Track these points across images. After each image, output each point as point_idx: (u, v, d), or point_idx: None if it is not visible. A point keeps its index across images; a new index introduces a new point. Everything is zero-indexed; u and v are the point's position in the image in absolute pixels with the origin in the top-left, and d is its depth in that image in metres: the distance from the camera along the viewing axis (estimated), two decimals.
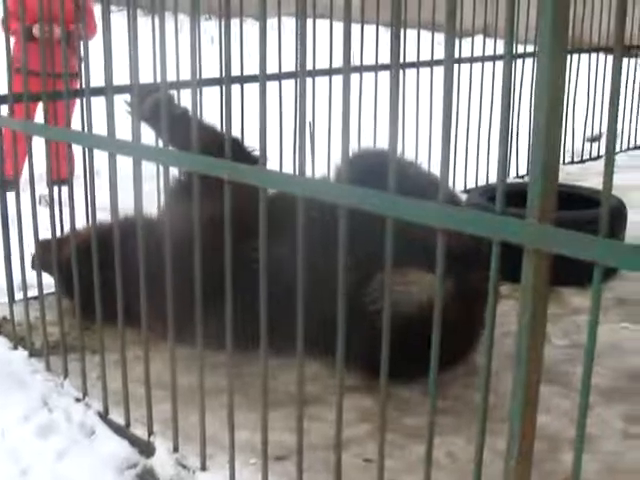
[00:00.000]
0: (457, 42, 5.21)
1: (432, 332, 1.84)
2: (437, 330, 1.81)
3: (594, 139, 6.79)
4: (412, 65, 5.29)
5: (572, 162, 6.67)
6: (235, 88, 3.78)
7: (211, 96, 4.10)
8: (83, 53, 2.89)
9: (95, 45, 2.56)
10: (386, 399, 1.98)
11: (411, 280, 2.75)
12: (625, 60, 6.38)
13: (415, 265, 2.74)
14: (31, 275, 3.19)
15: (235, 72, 3.92)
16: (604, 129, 6.03)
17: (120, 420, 2.78)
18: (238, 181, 2.15)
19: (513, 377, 1.68)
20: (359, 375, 2.86)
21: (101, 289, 2.73)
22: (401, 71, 4.94)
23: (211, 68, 4.25)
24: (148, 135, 3.02)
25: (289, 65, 3.73)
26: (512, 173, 6.03)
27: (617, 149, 6.96)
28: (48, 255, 3.11)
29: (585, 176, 5.90)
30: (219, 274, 2.29)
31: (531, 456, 1.73)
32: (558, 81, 1.53)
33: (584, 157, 6.80)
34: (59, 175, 3.59)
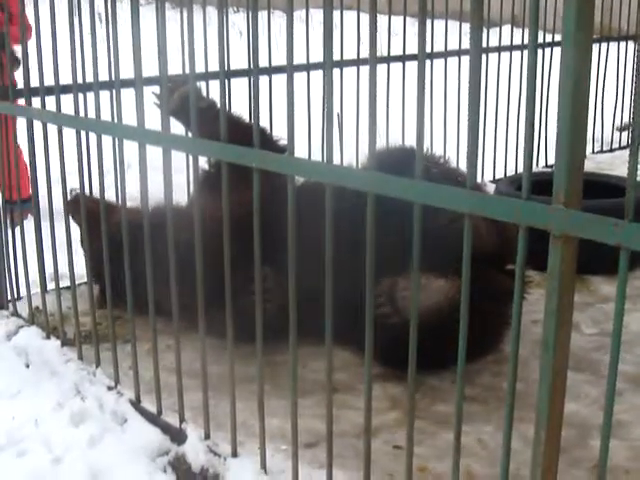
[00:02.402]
0: (485, 32, 5.21)
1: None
2: (465, 316, 1.83)
3: (624, 128, 6.75)
4: (440, 55, 5.29)
5: (602, 151, 6.63)
6: (263, 79, 3.81)
7: (240, 87, 4.13)
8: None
9: (125, 38, 2.58)
10: (414, 386, 1.99)
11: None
12: None
13: (440, 266, 2.74)
14: (63, 266, 3.22)
15: (263, 64, 3.95)
16: None
17: (152, 408, 2.81)
18: (266, 170, 2.18)
19: (540, 363, 1.69)
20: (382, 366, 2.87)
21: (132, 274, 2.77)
22: (429, 61, 4.94)
23: (240, 61, 4.28)
24: (176, 127, 3.04)
25: (317, 56, 3.74)
26: (541, 163, 6.02)
27: None
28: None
29: (615, 165, 5.88)
30: (246, 263, 2.32)
31: (559, 442, 1.74)
32: (583, 69, 1.53)
33: (613, 146, 6.76)
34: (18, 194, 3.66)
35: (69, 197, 3.24)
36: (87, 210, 3.03)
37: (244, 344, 2.54)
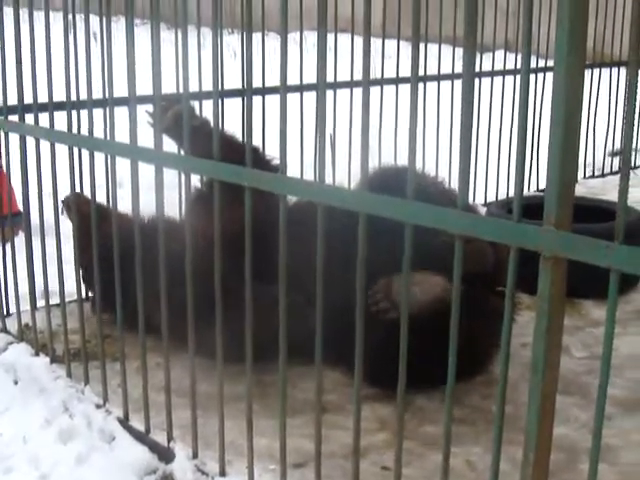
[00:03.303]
0: (478, 56, 5.23)
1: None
2: (454, 335, 1.83)
3: (615, 153, 6.77)
4: (433, 78, 5.31)
5: (593, 176, 6.65)
6: (257, 100, 3.82)
7: (233, 107, 4.14)
8: None
9: (120, 56, 2.60)
10: (403, 407, 1.99)
11: (415, 281, 2.76)
12: None
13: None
14: (53, 283, 3.22)
15: (257, 84, 3.96)
16: None
17: (140, 426, 2.80)
18: (258, 189, 2.19)
19: (529, 385, 1.69)
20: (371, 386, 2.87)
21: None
22: (422, 84, 4.96)
23: (233, 82, 4.29)
24: (169, 145, 3.05)
25: (311, 78, 3.76)
26: (533, 187, 6.03)
27: (639, 163, 6.94)
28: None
29: (606, 190, 5.90)
30: (235, 281, 2.33)
31: (547, 464, 1.74)
32: (575, 94, 1.54)
33: (605, 171, 6.78)
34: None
35: (65, 197, 3.25)
36: (80, 214, 3.02)
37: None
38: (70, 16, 3.08)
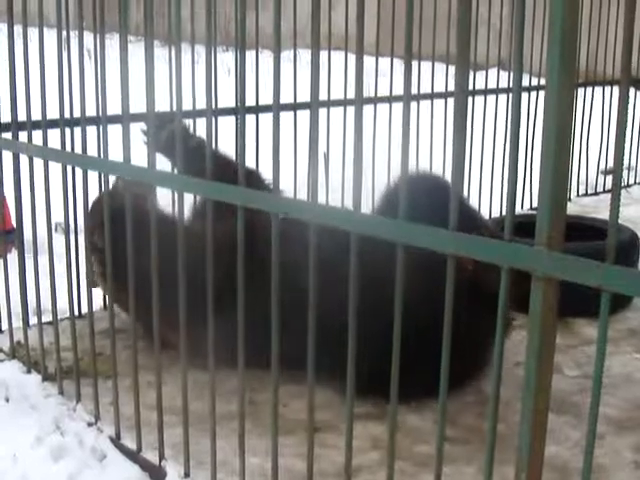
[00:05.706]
0: (471, 75, 5.25)
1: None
2: (447, 353, 1.83)
3: (608, 172, 6.78)
4: (427, 97, 5.32)
5: (586, 194, 6.67)
6: (250, 118, 3.83)
7: (227, 125, 4.14)
8: None
9: (113, 74, 2.60)
10: (395, 425, 1.99)
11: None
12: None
13: None
14: (45, 300, 3.21)
15: (250, 102, 3.97)
16: None
17: (132, 445, 2.79)
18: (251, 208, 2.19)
19: (521, 404, 1.69)
20: (369, 400, 2.87)
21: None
22: (415, 102, 4.97)
23: (228, 99, 4.30)
24: (163, 163, 3.05)
25: (304, 96, 3.77)
26: (526, 205, 6.05)
27: (632, 181, 6.97)
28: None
29: (599, 208, 5.91)
30: (229, 296, 2.33)
31: None
32: (566, 112, 1.55)
33: (598, 189, 6.79)
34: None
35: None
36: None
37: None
38: (64, 33, 3.08)
